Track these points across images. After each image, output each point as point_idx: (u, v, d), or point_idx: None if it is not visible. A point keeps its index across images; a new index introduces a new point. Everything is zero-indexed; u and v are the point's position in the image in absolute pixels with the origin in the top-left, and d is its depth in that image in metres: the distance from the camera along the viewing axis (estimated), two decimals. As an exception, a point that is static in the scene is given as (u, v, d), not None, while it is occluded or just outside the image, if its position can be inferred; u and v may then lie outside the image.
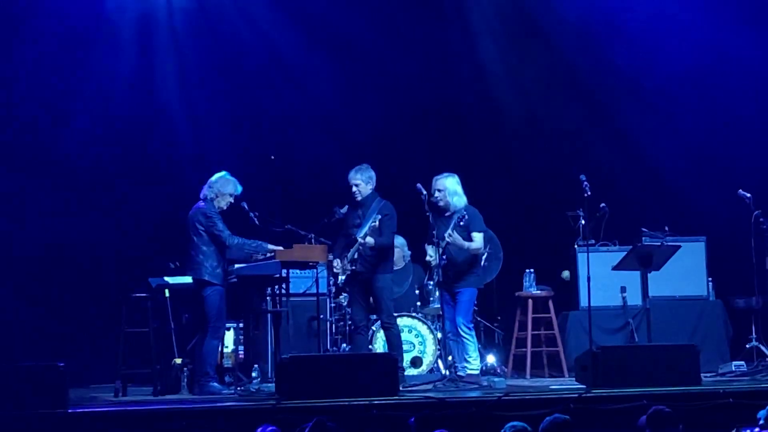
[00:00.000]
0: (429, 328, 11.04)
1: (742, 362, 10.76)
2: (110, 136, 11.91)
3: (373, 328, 10.70)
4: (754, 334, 11.26)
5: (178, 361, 9.98)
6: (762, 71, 12.62)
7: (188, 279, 9.81)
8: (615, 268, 10.72)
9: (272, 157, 11.48)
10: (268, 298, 10.77)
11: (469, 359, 9.89)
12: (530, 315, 11.69)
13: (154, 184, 11.96)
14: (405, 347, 10.65)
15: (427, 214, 9.93)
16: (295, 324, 10.98)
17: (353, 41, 12.57)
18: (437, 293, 10.76)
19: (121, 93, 12.02)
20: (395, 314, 10.37)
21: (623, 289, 11.55)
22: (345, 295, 10.77)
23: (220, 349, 10.10)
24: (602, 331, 11.45)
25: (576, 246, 11.57)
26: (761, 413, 6.78)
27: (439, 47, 13.04)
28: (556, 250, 12.23)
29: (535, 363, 11.70)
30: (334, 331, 11.20)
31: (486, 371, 10.76)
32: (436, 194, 9.99)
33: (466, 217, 9.82)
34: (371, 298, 10.06)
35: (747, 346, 11.24)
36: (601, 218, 11.43)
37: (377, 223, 9.84)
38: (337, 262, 10.06)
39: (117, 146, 11.94)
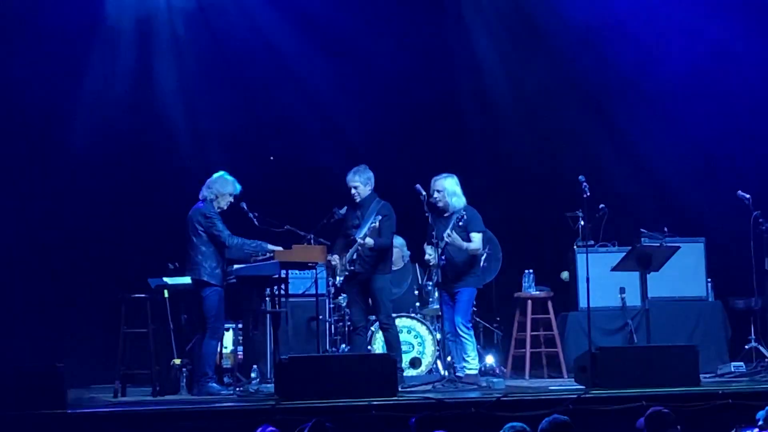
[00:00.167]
0: (428, 328, 11.03)
1: (741, 363, 10.78)
2: (110, 136, 11.88)
3: (372, 328, 10.70)
4: (753, 335, 11.24)
5: (177, 361, 9.99)
6: (762, 72, 12.62)
7: (187, 279, 9.80)
8: (614, 269, 10.73)
9: (272, 158, 11.47)
10: (267, 298, 10.75)
11: (467, 359, 9.90)
12: (529, 315, 11.67)
13: (154, 185, 11.95)
14: (404, 348, 10.64)
15: (426, 214, 9.93)
16: (294, 325, 10.98)
17: (353, 42, 12.55)
18: (436, 294, 10.76)
19: (121, 93, 12.00)
20: (394, 315, 10.37)
21: (622, 290, 11.53)
22: (344, 295, 10.76)
23: (219, 349, 10.09)
24: (601, 332, 11.45)
25: (575, 247, 11.57)
26: (760, 414, 6.79)
27: (438, 48, 13.01)
28: (555, 250, 12.25)
29: (534, 363, 11.68)
30: (333, 331, 11.20)
31: (485, 372, 10.76)
32: (435, 195, 10.00)
33: (465, 217, 9.82)
34: (369, 299, 10.06)
35: (746, 346, 11.23)
36: (600, 219, 11.41)
37: (377, 223, 9.84)
38: (334, 258, 10.05)
39: (117, 146, 11.91)
